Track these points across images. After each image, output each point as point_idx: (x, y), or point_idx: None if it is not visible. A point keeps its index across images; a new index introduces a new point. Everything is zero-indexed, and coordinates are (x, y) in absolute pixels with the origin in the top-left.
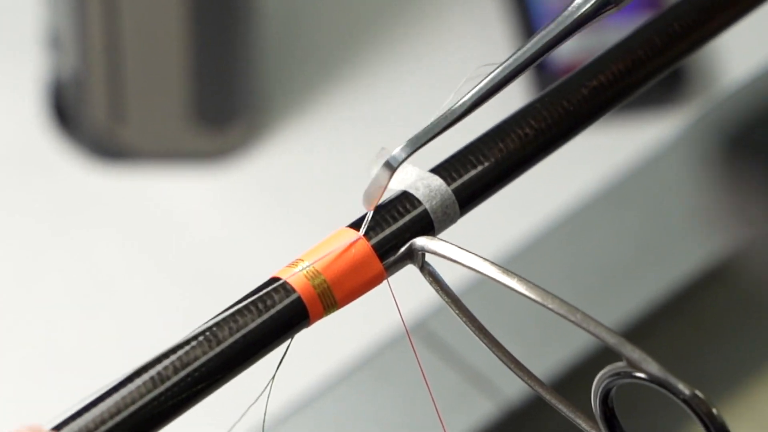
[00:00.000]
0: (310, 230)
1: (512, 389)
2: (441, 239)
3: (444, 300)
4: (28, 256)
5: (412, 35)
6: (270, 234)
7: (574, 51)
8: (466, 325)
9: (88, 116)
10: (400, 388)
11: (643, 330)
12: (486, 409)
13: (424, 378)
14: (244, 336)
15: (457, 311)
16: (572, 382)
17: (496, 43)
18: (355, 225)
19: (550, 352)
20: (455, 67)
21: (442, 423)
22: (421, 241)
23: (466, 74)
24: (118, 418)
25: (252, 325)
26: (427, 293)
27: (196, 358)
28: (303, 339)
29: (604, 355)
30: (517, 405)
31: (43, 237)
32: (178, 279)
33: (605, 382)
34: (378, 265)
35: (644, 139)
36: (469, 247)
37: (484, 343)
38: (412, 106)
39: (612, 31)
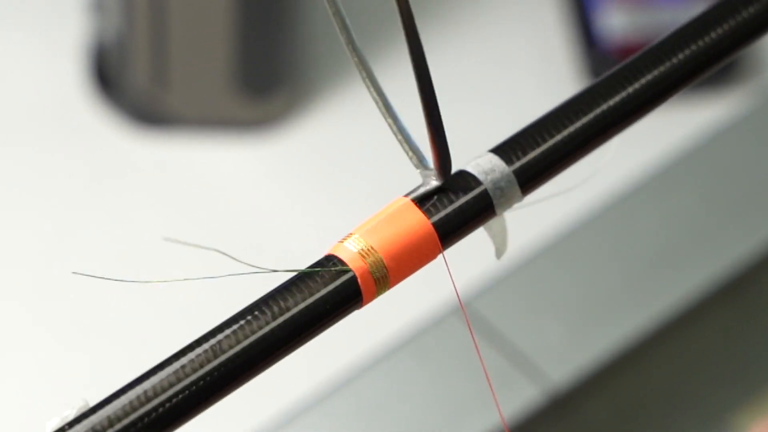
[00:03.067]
0: (353, 200)
1: (558, 374)
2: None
3: None
4: (68, 220)
5: (463, 7)
6: (313, 204)
7: (626, 28)
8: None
9: (131, 81)
10: (441, 369)
11: (694, 315)
12: (529, 393)
13: (478, 353)
14: (294, 315)
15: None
16: (616, 366)
17: (547, 25)
18: (413, 198)
19: (595, 333)
20: (503, 44)
21: (496, 401)
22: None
23: (513, 52)
24: (148, 406)
25: (302, 305)
26: (473, 272)
27: (237, 342)
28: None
29: (648, 340)
30: (562, 390)
31: (83, 202)
32: (219, 247)
33: None
34: (437, 246)
35: (699, 121)
36: (519, 223)
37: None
38: (457, 76)
39: (665, 12)
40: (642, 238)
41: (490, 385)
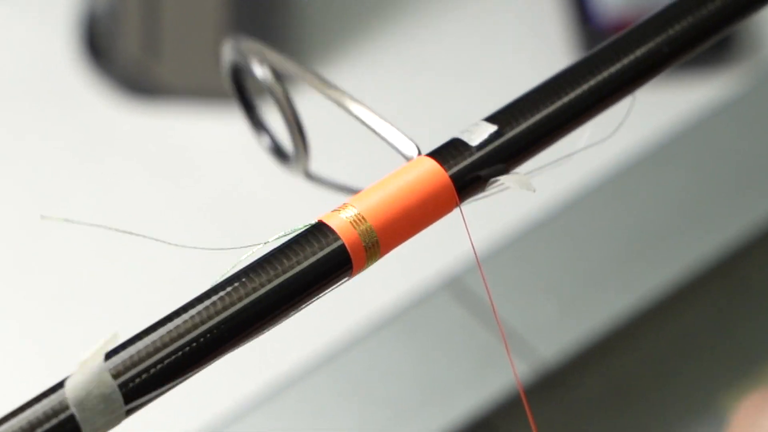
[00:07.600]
0: (346, 173)
1: (548, 350)
2: None
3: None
4: (54, 187)
5: None
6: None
7: (621, 4)
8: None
9: (122, 51)
10: (428, 345)
11: (685, 294)
12: (519, 369)
13: (494, 309)
14: (281, 283)
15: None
16: (606, 343)
17: (542, 0)
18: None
19: (586, 310)
20: (497, 19)
21: (510, 360)
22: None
23: (511, 28)
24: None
25: (292, 272)
26: (463, 248)
27: (230, 305)
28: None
29: (639, 318)
30: (552, 367)
31: (71, 170)
32: (205, 219)
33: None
34: (453, 200)
35: (693, 100)
36: (511, 200)
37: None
38: (451, 51)
39: None
40: (635, 216)
41: (506, 347)
